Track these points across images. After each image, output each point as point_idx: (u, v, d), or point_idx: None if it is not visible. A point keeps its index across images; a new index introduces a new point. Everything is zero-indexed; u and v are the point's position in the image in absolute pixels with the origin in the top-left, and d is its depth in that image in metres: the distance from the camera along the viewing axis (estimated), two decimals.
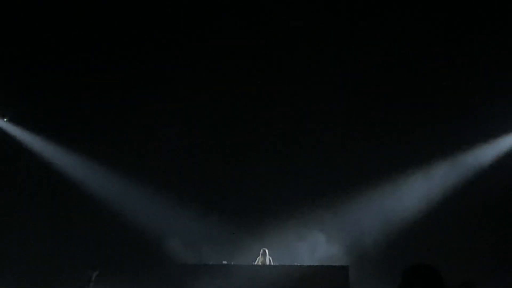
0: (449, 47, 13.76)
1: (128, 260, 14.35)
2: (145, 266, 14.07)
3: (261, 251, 13.92)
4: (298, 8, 13.37)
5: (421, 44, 13.84)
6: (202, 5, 13.51)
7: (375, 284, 13.55)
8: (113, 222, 14.70)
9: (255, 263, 13.83)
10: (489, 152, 14.74)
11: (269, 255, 13.87)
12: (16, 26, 13.54)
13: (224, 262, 13.87)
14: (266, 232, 14.86)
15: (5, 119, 15.04)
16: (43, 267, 13.97)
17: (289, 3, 13.37)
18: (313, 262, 14.21)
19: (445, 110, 14.38)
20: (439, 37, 13.65)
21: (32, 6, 13.28)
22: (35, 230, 14.42)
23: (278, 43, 14.06)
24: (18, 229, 14.50)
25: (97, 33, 13.82)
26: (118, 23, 13.65)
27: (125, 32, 13.86)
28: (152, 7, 13.54)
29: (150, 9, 13.55)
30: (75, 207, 14.79)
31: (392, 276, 5.80)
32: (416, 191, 14.85)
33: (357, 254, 14.71)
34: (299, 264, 13.78)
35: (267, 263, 13.74)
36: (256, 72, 14.41)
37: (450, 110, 14.30)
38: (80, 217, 14.71)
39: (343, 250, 14.82)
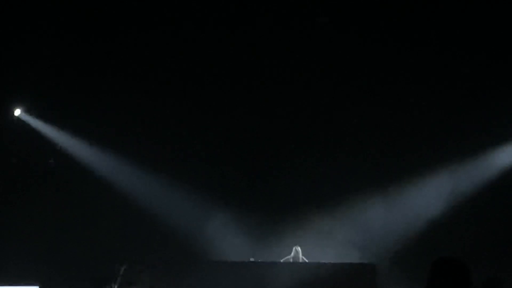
0: (475, 46, 13.57)
1: (156, 255, 14.46)
2: (173, 262, 14.14)
3: (294, 249, 13.93)
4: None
5: (444, 42, 13.67)
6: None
7: (402, 282, 13.49)
8: (142, 217, 14.86)
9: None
10: None
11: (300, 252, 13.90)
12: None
13: (252, 259, 13.92)
14: (292, 228, 14.89)
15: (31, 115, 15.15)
16: (70, 261, 14.13)
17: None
18: (339, 260, 14.17)
19: (471, 109, 14.24)
20: (462, 34, 13.43)
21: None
22: (61, 225, 14.59)
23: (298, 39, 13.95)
24: (43, 224, 14.65)
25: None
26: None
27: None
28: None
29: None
30: (104, 203, 14.93)
31: (417, 274, 5.79)
32: (441, 190, 14.76)
33: (382, 252, 14.66)
34: (324, 262, 13.74)
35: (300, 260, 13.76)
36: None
37: (476, 109, 14.16)
38: (109, 212, 14.84)
39: (368, 248, 14.79)
